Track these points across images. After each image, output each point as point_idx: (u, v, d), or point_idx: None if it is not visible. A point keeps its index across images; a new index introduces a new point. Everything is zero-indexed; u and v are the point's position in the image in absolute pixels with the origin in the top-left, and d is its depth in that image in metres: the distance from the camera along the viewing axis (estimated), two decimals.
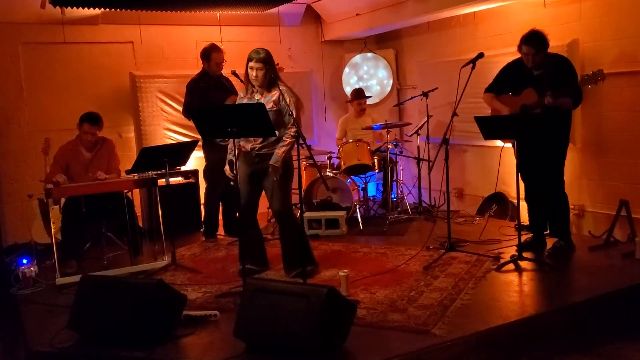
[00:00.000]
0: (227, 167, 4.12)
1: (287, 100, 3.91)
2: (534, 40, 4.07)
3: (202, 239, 5.42)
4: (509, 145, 4.45)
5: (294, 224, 4.14)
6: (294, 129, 3.91)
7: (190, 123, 5.36)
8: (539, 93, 4.11)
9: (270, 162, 3.91)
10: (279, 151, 3.90)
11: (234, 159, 4.00)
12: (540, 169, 4.29)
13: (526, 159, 4.23)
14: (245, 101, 4.04)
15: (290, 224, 4.12)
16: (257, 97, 4.00)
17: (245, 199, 4.09)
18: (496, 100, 4.41)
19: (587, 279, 3.82)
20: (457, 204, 6.39)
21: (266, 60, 3.91)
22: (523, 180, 4.41)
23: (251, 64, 3.93)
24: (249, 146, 4.01)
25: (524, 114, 4.19)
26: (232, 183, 4.08)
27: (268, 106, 3.89)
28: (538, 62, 4.13)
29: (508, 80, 4.37)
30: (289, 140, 3.93)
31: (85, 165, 4.69)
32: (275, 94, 3.96)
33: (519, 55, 4.32)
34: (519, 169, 4.35)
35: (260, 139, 3.97)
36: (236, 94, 5.30)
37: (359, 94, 6.25)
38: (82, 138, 4.67)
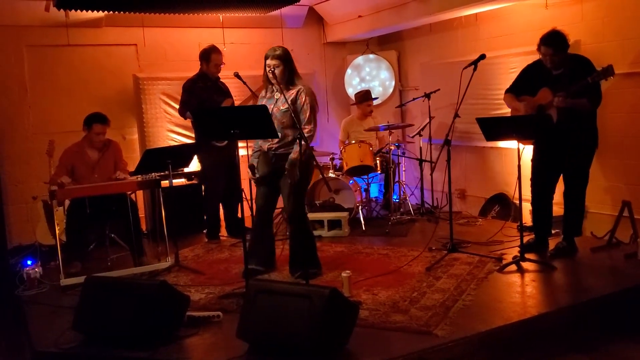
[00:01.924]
0: (249, 171, 4.13)
1: (302, 99, 3.91)
2: (553, 40, 4.02)
3: (205, 240, 5.45)
4: (523, 146, 4.39)
5: (305, 226, 4.14)
6: (308, 128, 3.90)
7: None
8: (554, 93, 4.06)
9: (286, 165, 3.89)
10: (293, 154, 3.85)
11: (255, 162, 4.05)
12: (564, 170, 4.24)
13: (545, 161, 4.21)
14: (264, 101, 4.00)
15: (302, 226, 4.10)
16: (276, 95, 3.96)
17: (263, 199, 4.11)
18: (515, 101, 4.37)
19: (589, 280, 3.83)
20: (460, 205, 6.40)
21: (282, 57, 3.89)
22: (536, 181, 4.38)
23: (268, 61, 3.90)
24: (266, 146, 4.00)
25: (535, 115, 4.15)
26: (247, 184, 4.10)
27: (284, 106, 3.89)
28: (557, 62, 4.07)
29: (528, 81, 4.32)
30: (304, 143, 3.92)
31: (91, 166, 4.71)
32: (292, 93, 3.94)
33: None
34: (535, 171, 4.33)
35: (276, 139, 3.94)
36: (232, 97, 5.35)
37: (367, 95, 6.23)
38: (93, 139, 4.68)
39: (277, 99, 3.96)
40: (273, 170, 4.03)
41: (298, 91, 3.94)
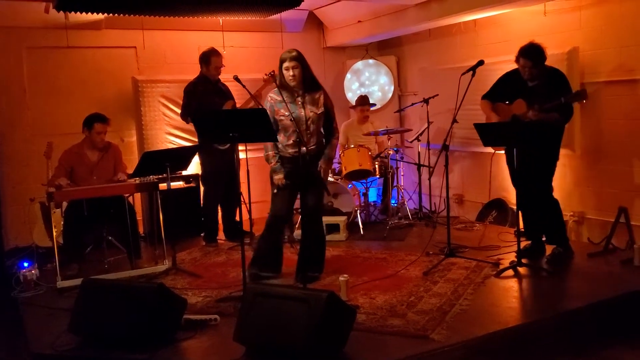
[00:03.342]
0: (281, 177, 3.94)
1: (330, 101, 4.00)
2: (532, 53, 4.11)
3: (203, 244, 5.44)
4: (501, 152, 4.48)
5: (321, 226, 4.23)
6: (337, 129, 4.09)
7: (192, 127, 5.39)
8: (528, 105, 4.17)
9: (324, 164, 3.98)
10: (333, 152, 4.02)
11: (283, 167, 3.94)
12: (530, 176, 4.29)
13: (517, 166, 4.25)
14: (291, 106, 3.85)
15: (320, 227, 4.18)
16: (300, 100, 3.88)
17: (287, 204, 4.05)
18: (489, 109, 4.48)
19: (585, 286, 3.84)
20: (457, 209, 6.41)
21: (300, 58, 3.85)
22: (515, 186, 4.43)
23: (286, 64, 3.83)
24: (304, 149, 3.85)
25: (520, 122, 4.21)
26: (275, 191, 4.01)
27: (321, 110, 3.92)
28: (534, 74, 4.17)
29: (504, 89, 4.43)
30: (336, 141, 4.09)
31: (90, 168, 4.71)
32: (320, 96, 3.95)
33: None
34: (512, 175, 4.40)
35: (314, 141, 3.96)
36: (233, 99, 5.35)
37: (363, 100, 6.26)
38: (94, 139, 4.69)
39: (302, 103, 3.89)
40: (304, 173, 3.90)
41: (324, 93, 3.98)
